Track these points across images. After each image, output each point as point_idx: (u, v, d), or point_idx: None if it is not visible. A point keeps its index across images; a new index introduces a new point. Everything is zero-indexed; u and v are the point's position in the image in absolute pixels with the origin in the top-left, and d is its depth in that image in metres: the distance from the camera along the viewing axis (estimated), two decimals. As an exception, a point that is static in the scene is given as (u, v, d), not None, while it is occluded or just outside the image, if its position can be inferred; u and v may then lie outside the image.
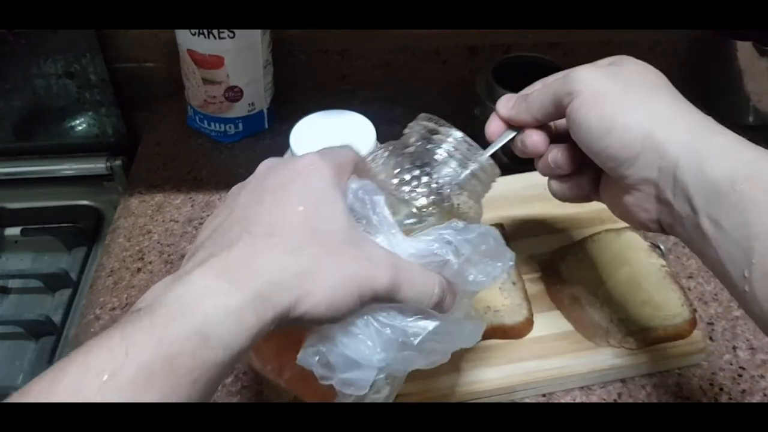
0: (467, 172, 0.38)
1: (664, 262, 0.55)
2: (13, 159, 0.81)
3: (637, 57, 0.44)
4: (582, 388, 0.51)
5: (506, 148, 0.68)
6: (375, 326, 0.34)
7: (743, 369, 0.52)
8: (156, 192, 0.69)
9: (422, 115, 0.39)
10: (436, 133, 0.38)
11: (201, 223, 0.65)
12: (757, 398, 0.50)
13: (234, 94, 0.70)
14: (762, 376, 0.51)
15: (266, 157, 0.74)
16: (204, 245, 0.32)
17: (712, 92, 0.76)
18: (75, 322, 0.61)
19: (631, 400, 0.50)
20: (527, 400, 0.50)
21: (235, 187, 0.36)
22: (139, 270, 0.61)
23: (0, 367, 0.66)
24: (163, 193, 0.68)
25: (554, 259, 0.56)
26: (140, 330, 0.28)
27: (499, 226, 0.59)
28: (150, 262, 0.62)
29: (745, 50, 0.69)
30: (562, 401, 0.50)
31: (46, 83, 0.77)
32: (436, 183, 0.37)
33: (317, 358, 0.34)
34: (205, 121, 0.73)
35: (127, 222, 0.66)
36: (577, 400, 0.50)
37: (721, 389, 0.51)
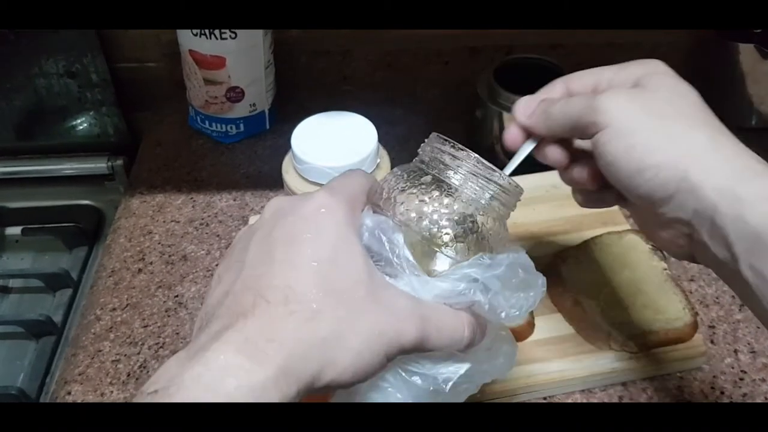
0: (489, 197, 0.34)
1: (665, 265, 0.55)
2: (14, 158, 0.81)
3: (638, 58, 0.43)
4: (583, 391, 0.51)
5: (507, 150, 0.68)
6: (404, 376, 0.32)
7: (744, 372, 0.52)
8: (157, 192, 0.69)
9: (434, 135, 0.36)
10: (453, 157, 0.35)
11: (202, 224, 0.65)
12: (758, 402, 0.50)
13: (235, 94, 0.70)
14: (763, 380, 0.51)
15: (267, 158, 0.75)
16: (217, 314, 0.30)
17: (714, 95, 0.75)
18: (75, 323, 0.61)
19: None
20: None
21: (242, 233, 0.34)
22: (140, 270, 0.61)
23: (0, 367, 0.66)
24: (164, 194, 0.68)
25: (556, 262, 0.56)
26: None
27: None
28: (151, 263, 0.62)
29: (747, 53, 0.69)
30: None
31: (48, 83, 0.77)
32: (458, 215, 0.33)
33: None
34: (207, 122, 0.73)
35: (128, 222, 0.66)
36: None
37: (723, 393, 0.51)
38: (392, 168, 0.56)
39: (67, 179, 0.82)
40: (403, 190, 0.34)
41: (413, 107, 0.78)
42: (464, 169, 0.34)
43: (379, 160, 0.55)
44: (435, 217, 0.33)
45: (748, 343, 0.53)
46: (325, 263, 0.30)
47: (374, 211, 0.34)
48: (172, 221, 0.66)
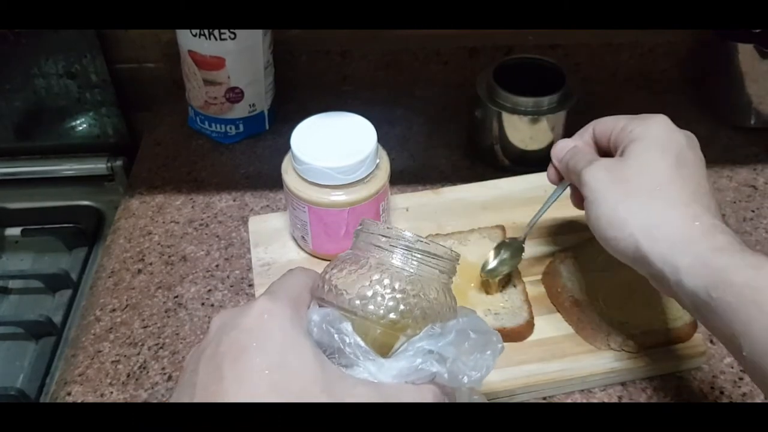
0: (428, 269, 0.35)
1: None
2: (13, 159, 0.81)
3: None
4: (582, 391, 0.51)
5: (507, 150, 0.68)
6: None
7: (744, 373, 0.52)
8: (156, 193, 0.69)
9: (365, 221, 0.37)
10: (386, 237, 0.35)
11: (201, 225, 0.65)
12: (757, 402, 0.50)
13: (235, 95, 0.70)
14: (763, 380, 0.51)
15: (266, 158, 0.75)
16: None
17: (714, 94, 0.76)
18: (75, 323, 0.61)
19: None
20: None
21: (192, 353, 0.33)
22: (139, 271, 0.61)
23: (0, 368, 0.66)
24: (163, 194, 0.68)
25: (555, 262, 0.56)
26: None
27: (500, 228, 0.59)
28: (150, 264, 0.62)
29: (746, 53, 0.69)
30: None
31: (47, 83, 0.77)
32: (401, 291, 0.34)
33: None
34: (206, 122, 0.73)
35: (127, 223, 0.66)
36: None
37: (722, 392, 0.51)
38: (391, 168, 0.57)
39: (67, 180, 0.82)
40: (344, 279, 0.34)
41: (413, 107, 0.78)
42: (399, 248, 0.35)
43: (378, 160, 0.55)
44: (379, 299, 0.33)
45: (748, 343, 0.53)
46: (275, 369, 0.30)
47: (320, 305, 0.34)
48: (171, 222, 0.66)
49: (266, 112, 0.74)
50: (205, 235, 0.64)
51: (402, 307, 0.33)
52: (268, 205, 0.67)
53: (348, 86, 0.80)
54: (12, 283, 0.73)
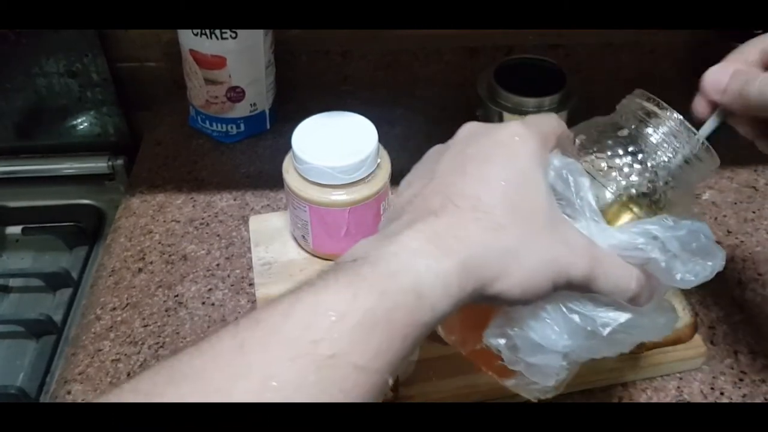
0: (683, 161, 0.34)
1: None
2: (14, 158, 0.81)
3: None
4: (583, 391, 0.51)
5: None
6: (564, 312, 0.33)
7: (744, 373, 0.52)
8: (157, 192, 0.69)
9: (638, 91, 0.36)
10: (654, 115, 0.35)
11: (202, 224, 0.65)
12: (758, 402, 0.50)
13: (236, 94, 0.70)
14: (763, 381, 0.51)
15: (267, 158, 0.75)
16: (406, 210, 0.33)
17: (715, 95, 0.76)
18: (76, 322, 0.61)
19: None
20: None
21: (433, 150, 0.36)
22: (140, 270, 0.61)
23: (0, 367, 0.66)
24: (164, 193, 0.68)
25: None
26: (364, 278, 0.29)
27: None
28: (151, 262, 0.62)
29: (747, 53, 0.69)
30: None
31: (48, 82, 0.77)
32: (650, 173, 0.34)
33: (504, 340, 0.33)
34: (207, 122, 0.73)
35: (128, 222, 0.66)
36: (578, 403, 0.50)
37: (722, 393, 0.51)
38: (392, 168, 0.56)
39: (68, 179, 0.82)
40: (596, 141, 0.35)
41: (413, 107, 0.78)
42: (663, 129, 0.34)
43: (379, 160, 0.55)
44: (626, 170, 0.33)
45: (748, 344, 0.53)
46: (512, 185, 0.32)
47: (563, 155, 0.34)
48: (172, 221, 0.66)
49: (267, 112, 0.74)
50: (205, 234, 0.64)
51: (646, 187, 0.33)
52: (268, 205, 0.67)
53: (348, 86, 0.80)
54: (12, 282, 0.73)
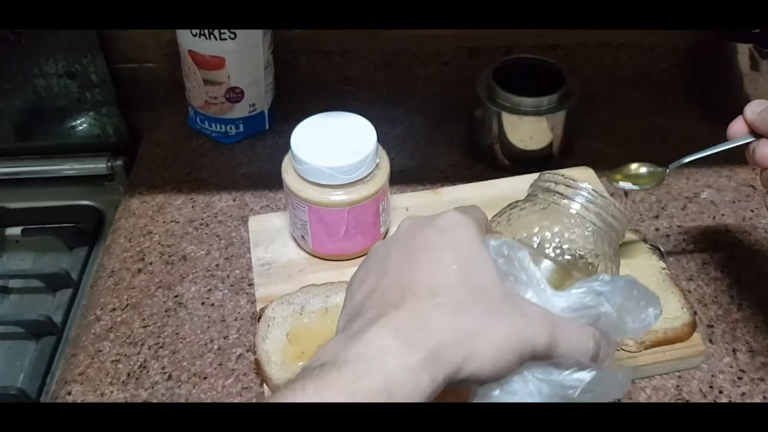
0: (604, 224, 0.38)
1: (664, 265, 0.55)
2: (14, 159, 0.81)
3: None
4: (582, 390, 0.51)
5: (506, 150, 0.68)
6: (533, 383, 0.34)
7: (743, 372, 0.52)
8: (157, 193, 0.69)
9: (544, 174, 0.40)
10: (566, 186, 0.38)
11: (201, 224, 0.65)
12: (757, 401, 0.50)
13: (235, 95, 0.70)
14: (762, 379, 0.51)
15: (266, 158, 0.75)
16: (366, 306, 0.33)
17: (713, 94, 0.76)
18: (75, 323, 0.61)
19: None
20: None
21: (379, 246, 0.37)
22: (139, 271, 0.61)
23: (0, 367, 0.66)
24: (163, 194, 0.68)
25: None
26: (332, 384, 0.29)
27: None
28: (151, 263, 0.62)
29: (746, 53, 0.69)
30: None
31: (47, 83, 0.77)
32: (580, 237, 0.37)
33: None
34: (206, 122, 0.73)
35: (127, 222, 0.66)
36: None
37: (721, 392, 0.51)
38: (391, 168, 0.57)
39: (67, 179, 0.82)
40: (524, 218, 0.38)
41: (413, 107, 0.78)
42: (580, 198, 0.38)
43: (378, 160, 0.55)
44: (557, 241, 0.36)
45: (747, 343, 0.54)
46: (464, 267, 0.33)
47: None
48: (171, 221, 0.66)
49: (266, 112, 0.74)
50: (205, 234, 0.64)
51: (575, 252, 0.36)
52: (268, 205, 0.67)
53: (348, 86, 0.80)
54: (12, 283, 0.73)
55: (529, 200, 0.40)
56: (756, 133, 0.45)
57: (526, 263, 0.34)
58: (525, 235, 0.37)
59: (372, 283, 0.34)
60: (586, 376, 0.34)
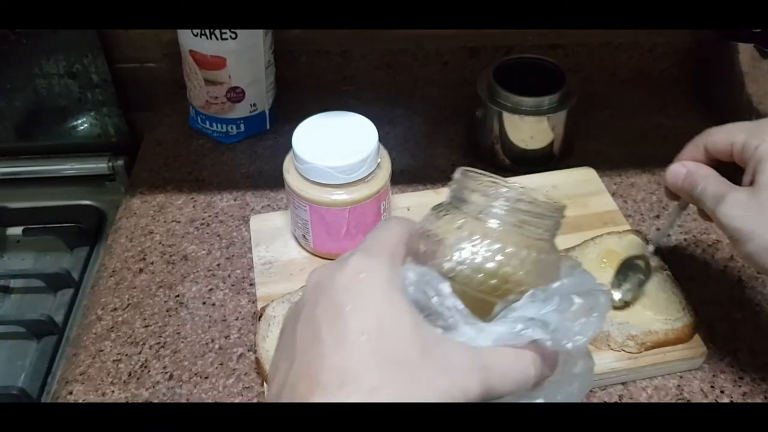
0: (531, 226, 0.32)
1: (665, 265, 0.55)
2: (14, 159, 0.82)
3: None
4: (582, 390, 0.51)
5: (507, 150, 0.68)
6: None
7: (744, 372, 0.52)
8: (158, 192, 0.69)
9: (461, 170, 0.35)
10: (483, 194, 0.33)
11: (203, 224, 0.65)
12: (758, 401, 0.50)
13: (236, 94, 0.70)
14: (763, 379, 0.51)
15: (267, 158, 0.75)
16: (282, 400, 0.30)
17: (714, 94, 0.76)
18: (77, 322, 0.62)
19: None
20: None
21: (289, 312, 0.34)
22: (140, 270, 0.61)
23: (1, 367, 0.66)
24: (164, 194, 0.69)
25: (555, 261, 0.56)
26: None
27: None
28: (152, 263, 0.62)
29: (746, 52, 0.69)
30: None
31: (48, 83, 0.77)
32: (503, 253, 0.31)
33: None
34: (207, 122, 0.73)
35: (129, 222, 0.66)
36: (578, 402, 0.50)
37: (722, 392, 0.51)
38: (392, 168, 0.57)
39: (68, 179, 0.82)
40: (440, 237, 0.33)
41: (413, 107, 0.78)
42: (499, 204, 0.32)
43: (379, 160, 0.55)
44: (478, 261, 0.31)
45: (748, 343, 0.53)
46: (373, 334, 0.29)
47: (417, 262, 0.32)
48: (173, 221, 0.66)
49: (267, 112, 0.74)
50: (206, 234, 0.64)
51: (503, 271, 0.31)
52: (269, 205, 0.67)
53: (348, 86, 0.80)
54: (13, 283, 0.73)
55: (448, 209, 0.34)
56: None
57: (447, 298, 0.30)
58: (445, 260, 0.32)
59: (283, 372, 0.31)
60: (535, 398, 0.32)
